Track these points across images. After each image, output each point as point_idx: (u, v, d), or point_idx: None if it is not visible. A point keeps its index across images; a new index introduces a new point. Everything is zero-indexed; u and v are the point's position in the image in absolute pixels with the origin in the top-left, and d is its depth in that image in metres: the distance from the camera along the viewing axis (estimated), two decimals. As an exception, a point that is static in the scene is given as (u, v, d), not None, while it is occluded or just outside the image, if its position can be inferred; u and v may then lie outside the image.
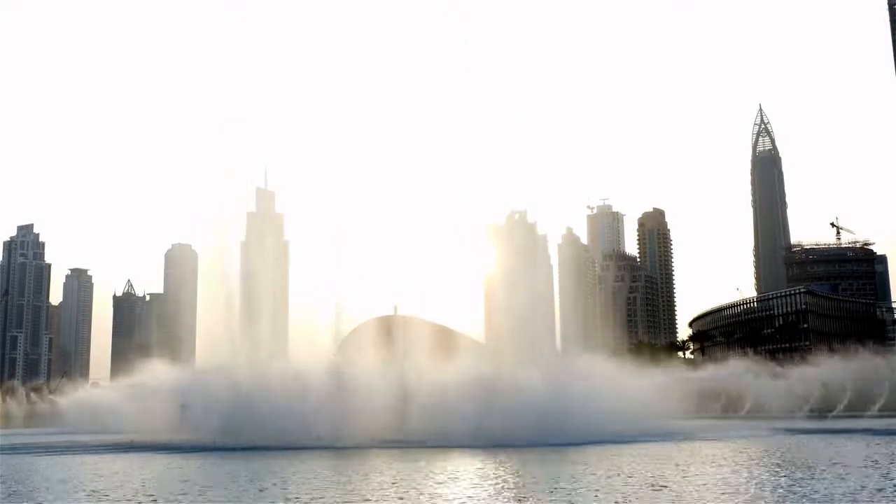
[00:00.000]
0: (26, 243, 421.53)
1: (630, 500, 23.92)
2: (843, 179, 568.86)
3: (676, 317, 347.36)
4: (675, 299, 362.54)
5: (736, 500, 23.60)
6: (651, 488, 26.51)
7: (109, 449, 54.23)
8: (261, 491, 27.95)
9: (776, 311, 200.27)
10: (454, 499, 25.09)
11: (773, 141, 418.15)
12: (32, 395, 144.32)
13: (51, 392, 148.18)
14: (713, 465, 34.90)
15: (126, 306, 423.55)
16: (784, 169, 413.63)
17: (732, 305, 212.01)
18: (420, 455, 43.51)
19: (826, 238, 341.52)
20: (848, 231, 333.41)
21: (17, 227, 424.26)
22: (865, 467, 32.57)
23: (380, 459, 42.14)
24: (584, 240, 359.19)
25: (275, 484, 29.81)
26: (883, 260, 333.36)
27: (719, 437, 56.69)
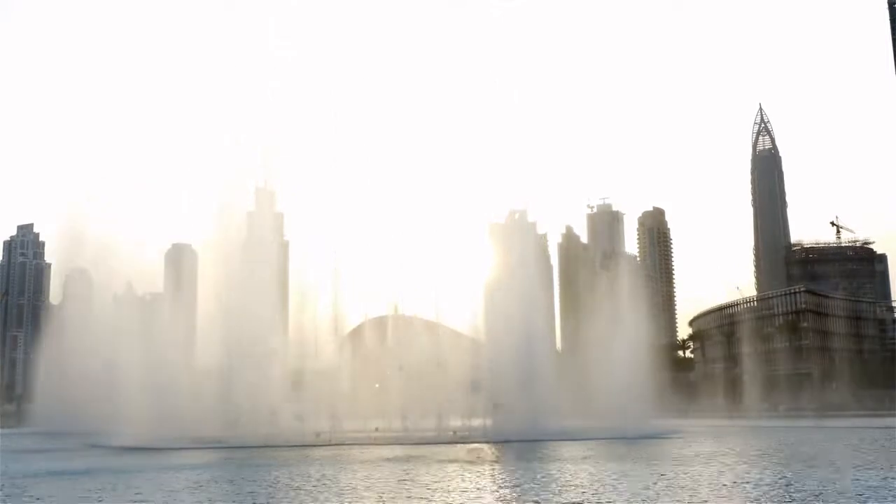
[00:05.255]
0: (26, 243, 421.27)
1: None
2: (842, 179, 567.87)
3: (676, 316, 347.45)
4: (675, 298, 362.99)
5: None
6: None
7: None
8: None
9: (776, 311, 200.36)
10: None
11: (773, 140, 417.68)
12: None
13: None
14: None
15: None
16: (784, 168, 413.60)
17: (732, 304, 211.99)
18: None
19: (826, 237, 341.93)
20: (848, 230, 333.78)
21: (17, 226, 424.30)
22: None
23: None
24: (584, 239, 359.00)
25: None
26: (883, 259, 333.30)
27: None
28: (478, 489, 26.87)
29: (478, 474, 32.57)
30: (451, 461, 39.13)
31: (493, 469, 36.12)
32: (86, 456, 47.85)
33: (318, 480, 30.22)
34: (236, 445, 54.45)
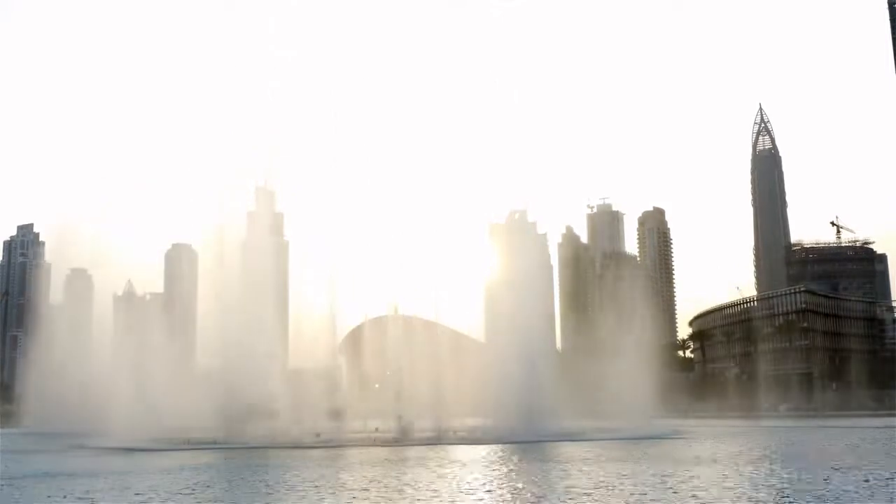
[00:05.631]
0: (26, 243, 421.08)
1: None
2: (843, 178, 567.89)
3: (676, 316, 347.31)
4: (675, 298, 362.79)
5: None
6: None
7: None
8: None
9: (776, 311, 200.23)
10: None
11: (773, 140, 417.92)
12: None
13: None
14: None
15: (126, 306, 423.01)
16: (784, 168, 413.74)
17: (732, 304, 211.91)
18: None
19: (826, 237, 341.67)
20: (848, 230, 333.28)
21: (17, 226, 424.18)
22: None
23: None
24: (584, 239, 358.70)
25: None
26: (883, 259, 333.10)
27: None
28: (477, 490, 26.76)
29: (477, 475, 32.46)
30: (451, 462, 39.07)
31: (493, 470, 36.01)
32: (82, 457, 47.77)
33: (313, 482, 30.10)
34: (235, 446, 54.41)
